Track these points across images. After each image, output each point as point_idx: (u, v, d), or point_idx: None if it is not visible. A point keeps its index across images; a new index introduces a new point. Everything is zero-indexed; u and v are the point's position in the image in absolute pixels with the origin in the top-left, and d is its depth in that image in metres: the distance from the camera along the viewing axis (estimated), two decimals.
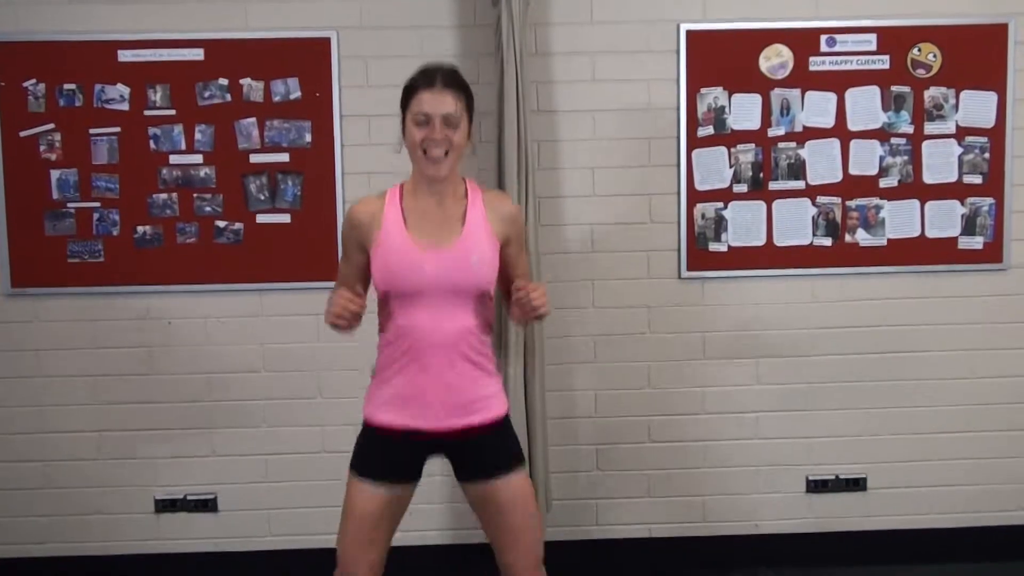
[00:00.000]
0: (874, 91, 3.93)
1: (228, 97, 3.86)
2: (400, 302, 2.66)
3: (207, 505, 4.03)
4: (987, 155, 3.96)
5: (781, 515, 4.11)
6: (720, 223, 3.95)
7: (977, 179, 3.97)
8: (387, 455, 2.71)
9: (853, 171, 3.95)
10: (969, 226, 3.97)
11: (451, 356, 2.67)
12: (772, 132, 3.94)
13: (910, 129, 3.95)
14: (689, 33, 3.90)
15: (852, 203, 3.95)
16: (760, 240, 3.96)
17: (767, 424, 4.07)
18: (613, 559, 4.10)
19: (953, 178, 3.97)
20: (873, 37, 3.92)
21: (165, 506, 4.03)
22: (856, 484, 4.09)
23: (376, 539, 2.73)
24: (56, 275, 3.89)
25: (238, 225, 3.89)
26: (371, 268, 2.69)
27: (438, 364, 2.66)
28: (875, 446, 4.08)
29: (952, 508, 4.12)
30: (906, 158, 3.95)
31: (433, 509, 4.00)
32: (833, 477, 4.09)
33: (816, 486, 4.09)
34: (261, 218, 3.89)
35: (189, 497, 4.03)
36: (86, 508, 4.03)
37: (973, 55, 3.94)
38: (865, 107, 3.93)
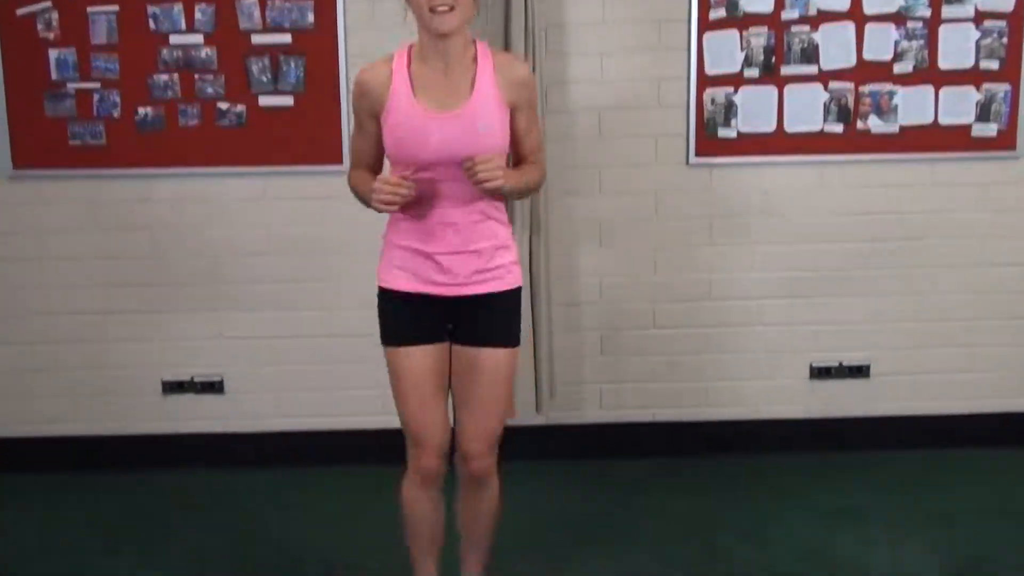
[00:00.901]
0: None
1: None
2: (411, 169, 2.63)
3: (214, 387, 4.07)
4: (1005, 40, 3.87)
5: (784, 401, 4.14)
6: (730, 108, 3.88)
7: (994, 64, 3.88)
8: (410, 319, 2.72)
9: (867, 56, 3.87)
10: (983, 113, 3.90)
11: (463, 224, 2.66)
12: (785, 15, 3.84)
13: (927, 12, 3.85)
14: None
15: (865, 89, 3.88)
16: (770, 126, 3.90)
17: (772, 311, 4.07)
18: (616, 443, 4.14)
19: (969, 64, 3.88)
20: None
21: (172, 388, 4.07)
22: (859, 371, 4.11)
23: (434, 395, 2.75)
24: (58, 157, 3.85)
25: (240, 107, 3.83)
26: (383, 135, 2.65)
27: (451, 231, 2.65)
28: (879, 333, 4.09)
29: (955, 395, 4.14)
30: (922, 43, 3.87)
31: None
32: (837, 364, 4.11)
33: (820, 373, 4.11)
34: (264, 100, 3.83)
35: (196, 379, 4.06)
36: (94, 389, 4.07)
37: None
38: None
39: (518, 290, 2.79)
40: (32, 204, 3.92)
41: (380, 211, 2.60)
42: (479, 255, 2.69)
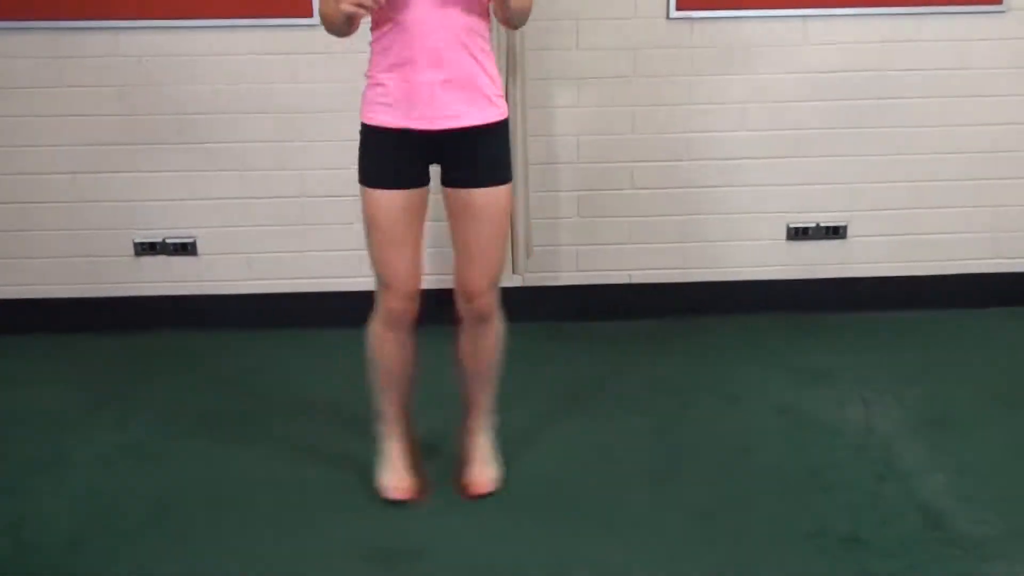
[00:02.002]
0: None
1: None
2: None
3: (186, 248, 4.02)
4: None
5: (761, 262, 4.13)
6: None
7: None
8: (391, 161, 2.68)
9: None
10: None
11: (447, 54, 2.58)
12: None
13: None
14: None
15: None
16: None
17: (750, 171, 4.02)
18: (593, 304, 4.14)
19: None
20: None
21: (144, 249, 4.02)
22: (836, 232, 4.09)
23: (407, 238, 2.73)
24: (18, 7, 3.70)
25: None
26: None
27: (434, 61, 2.58)
28: (858, 194, 4.06)
29: (932, 255, 4.14)
30: None
31: None
32: (814, 225, 4.09)
33: (797, 234, 4.09)
34: None
35: (168, 240, 4.01)
36: (66, 251, 4.01)
37: None
38: None
39: (505, 122, 2.73)
40: None
41: (347, 12, 2.47)
42: (464, 85, 2.62)
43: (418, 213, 2.75)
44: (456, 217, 2.77)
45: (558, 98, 3.92)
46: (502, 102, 2.72)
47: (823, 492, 2.96)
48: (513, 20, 2.67)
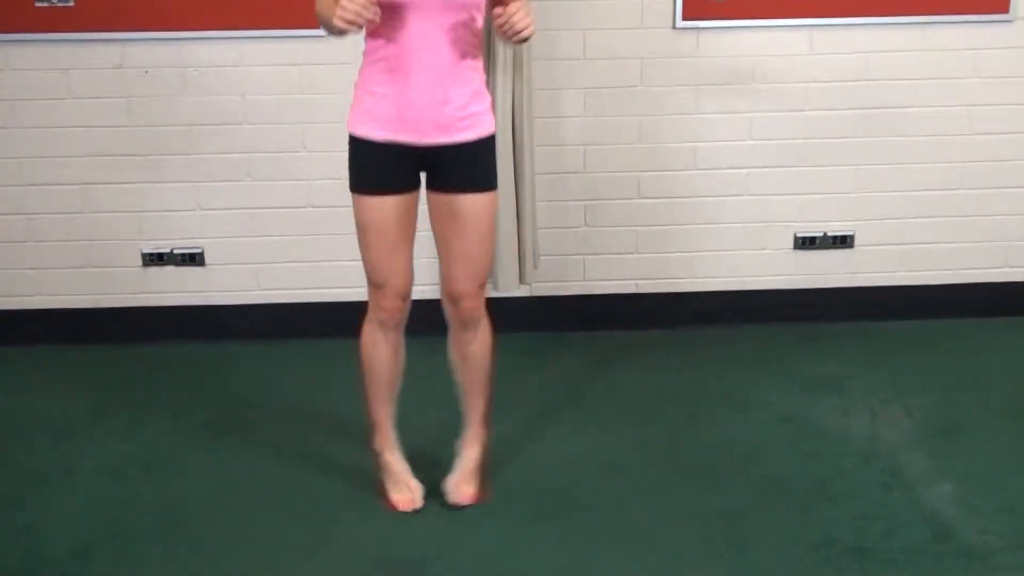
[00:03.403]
0: None
1: None
2: (391, 15, 2.57)
3: (194, 259, 4.03)
4: None
5: (768, 271, 4.13)
6: None
7: None
8: (380, 167, 2.71)
9: None
10: None
11: (438, 69, 2.62)
12: None
13: None
14: None
15: None
16: None
17: (757, 180, 4.02)
18: (600, 314, 4.14)
19: None
20: None
21: (152, 260, 4.03)
22: (844, 241, 4.08)
23: (398, 242, 2.77)
24: (25, 20, 3.71)
25: None
26: None
27: (425, 77, 2.61)
28: (865, 203, 4.06)
29: (939, 265, 4.13)
30: None
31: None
32: (821, 234, 4.08)
33: (804, 243, 4.09)
34: None
35: (176, 251, 4.02)
36: (73, 261, 4.02)
37: None
38: None
39: (492, 137, 2.77)
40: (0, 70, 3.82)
41: (340, 28, 2.48)
42: (453, 103, 2.65)
43: (409, 216, 2.79)
44: (441, 222, 2.80)
45: (565, 108, 3.92)
46: (490, 117, 2.76)
47: (829, 502, 2.96)
48: (515, 42, 2.69)
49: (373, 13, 2.48)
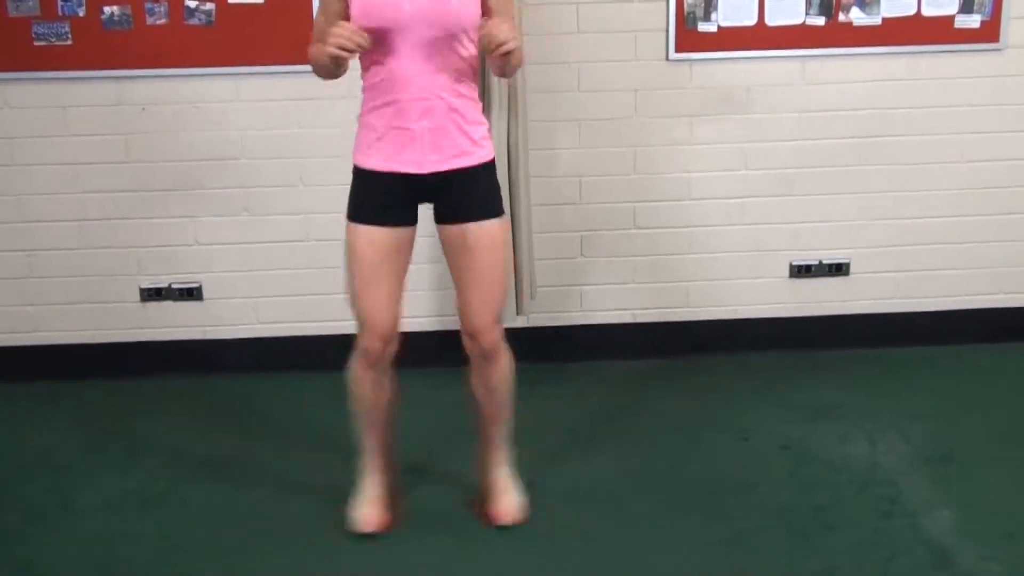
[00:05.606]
0: None
1: None
2: (380, 44, 2.60)
3: (192, 294, 4.04)
4: None
5: (764, 300, 4.14)
6: (710, 2, 3.80)
7: None
8: (379, 199, 2.73)
9: None
10: (967, 3, 3.83)
11: (435, 100, 2.65)
12: None
13: None
14: None
15: None
16: (751, 19, 3.83)
17: (752, 209, 4.04)
18: (597, 344, 4.14)
19: None
20: None
21: (150, 295, 4.04)
22: (839, 269, 4.10)
23: (386, 275, 2.76)
24: (23, 59, 3.75)
25: (209, 5, 3.73)
26: (350, 13, 2.63)
27: (422, 108, 2.64)
28: (860, 231, 4.07)
29: (935, 291, 4.15)
30: None
31: (419, 296, 4.00)
32: (817, 262, 4.10)
33: (800, 271, 4.10)
34: None
35: (174, 286, 4.03)
36: (72, 297, 4.03)
37: None
38: None
39: (492, 162, 2.79)
40: None
41: (332, 55, 2.53)
42: (453, 131, 2.68)
43: (402, 253, 2.79)
44: (452, 254, 2.81)
45: (560, 139, 3.95)
46: (488, 143, 2.78)
47: (828, 529, 2.95)
48: (507, 74, 2.75)
49: (362, 38, 2.51)
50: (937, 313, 4.16)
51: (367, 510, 2.99)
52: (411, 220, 2.79)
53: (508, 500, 3.03)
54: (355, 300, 2.80)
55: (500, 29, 2.51)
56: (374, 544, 2.94)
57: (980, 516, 3.00)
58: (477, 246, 2.75)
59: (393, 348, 2.86)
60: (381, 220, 2.73)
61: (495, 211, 2.78)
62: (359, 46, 2.52)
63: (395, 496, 3.07)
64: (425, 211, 2.81)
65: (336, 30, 2.51)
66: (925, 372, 3.99)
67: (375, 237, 2.73)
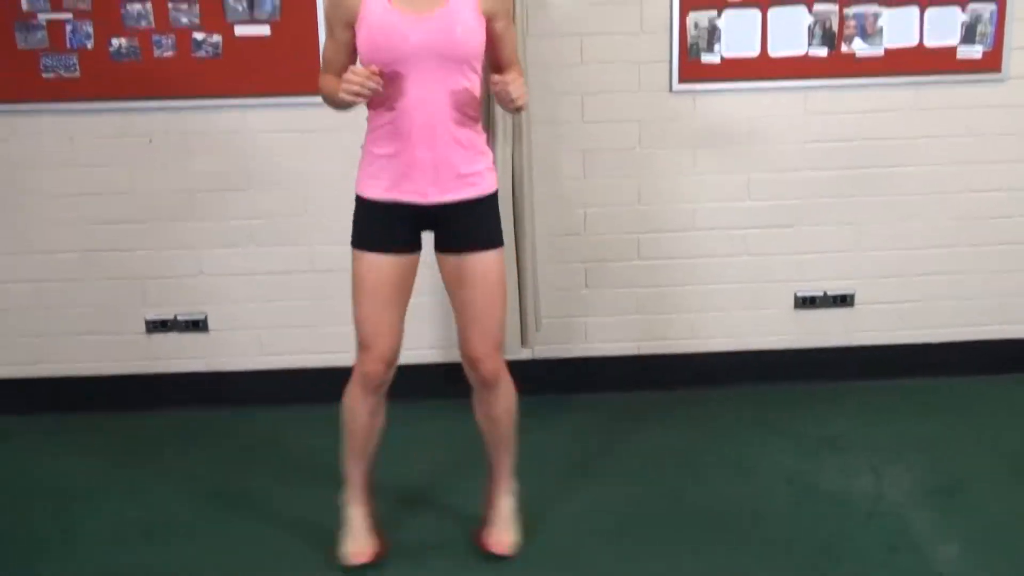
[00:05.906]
0: None
1: None
2: (386, 75, 2.62)
3: (198, 325, 4.04)
4: None
5: (769, 331, 4.13)
6: (713, 33, 3.82)
7: None
8: (382, 226, 2.77)
9: None
10: (969, 34, 3.85)
11: (439, 131, 2.68)
12: None
13: None
14: None
15: (849, 11, 3.82)
16: (754, 51, 3.84)
17: (757, 240, 4.04)
18: (602, 376, 4.14)
19: None
20: None
21: (156, 327, 4.04)
22: (844, 300, 4.10)
23: (390, 302, 2.80)
24: (31, 90, 3.78)
25: (216, 38, 3.76)
26: (356, 43, 2.68)
27: (426, 139, 2.67)
28: (864, 262, 4.07)
29: (938, 323, 4.14)
30: None
31: (423, 327, 4.00)
32: (821, 293, 4.09)
33: (804, 302, 4.10)
34: (240, 30, 3.75)
35: (179, 317, 4.04)
36: (77, 329, 4.04)
37: None
38: None
39: (494, 195, 2.82)
40: (6, 140, 3.86)
41: (346, 101, 2.59)
42: (454, 162, 2.71)
43: (406, 280, 2.83)
44: (452, 283, 2.84)
45: (564, 170, 3.96)
46: (491, 175, 2.82)
47: (835, 563, 2.93)
48: (511, 110, 2.77)
49: (377, 83, 2.56)
50: (942, 344, 4.15)
51: (358, 542, 2.99)
52: (414, 247, 2.82)
53: (503, 534, 3.02)
54: (358, 323, 2.83)
55: (514, 86, 2.59)
56: (374, 573, 2.93)
57: (987, 547, 2.98)
58: (476, 276, 2.78)
59: (392, 374, 2.88)
60: (384, 247, 2.77)
61: (495, 241, 2.81)
62: (373, 91, 2.56)
63: (379, 522, 3.07)
64: (429, 239, 2.84)
65: (350, 76, 2.56)
66: (931, 404, 3.97)
67: (378, 263, 2.77)
